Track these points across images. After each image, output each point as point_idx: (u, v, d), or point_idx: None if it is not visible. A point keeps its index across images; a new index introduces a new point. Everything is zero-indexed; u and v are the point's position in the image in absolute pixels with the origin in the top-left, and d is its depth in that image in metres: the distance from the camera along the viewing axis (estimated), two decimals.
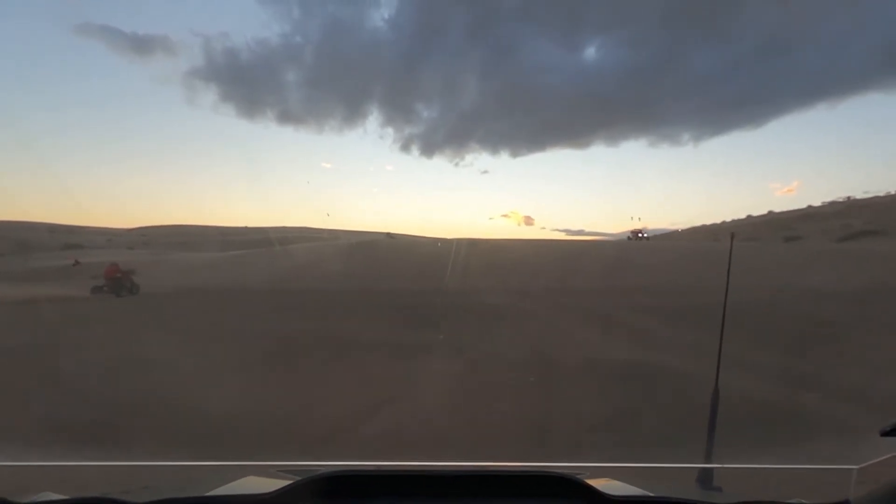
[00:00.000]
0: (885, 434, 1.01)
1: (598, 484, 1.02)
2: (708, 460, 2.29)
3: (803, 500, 1.01)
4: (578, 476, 1.06)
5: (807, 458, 3.88)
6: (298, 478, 0.97)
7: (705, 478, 1.87)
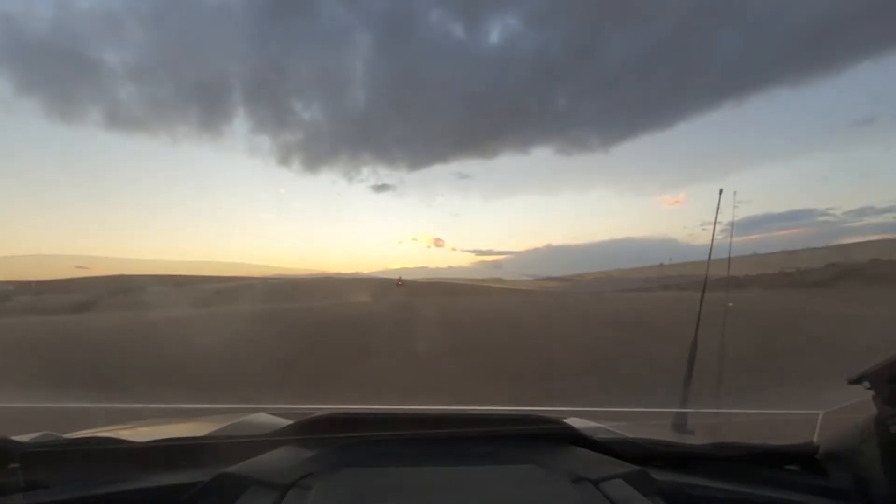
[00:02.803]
0: (852, 382, 1.05)
1: (578, 426, 1.08)
2: (683, 406, 2.42)
3: (771, 442, 1.08)
4: (563, 419, 1.11)
5: None
6: (291, 421, 1.00)
7: (679, 422, 1.98)
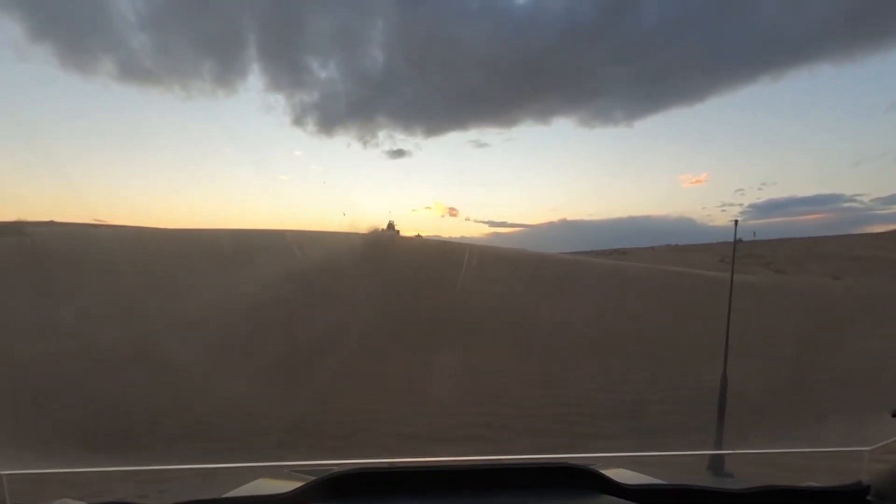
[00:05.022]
0: None
1: (611, 473, 1.03)
2: (718, 447, 2.29)
3: (815, 483, 1.02)
4: (591, 466, 1.06)
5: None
6: (312, 478, 0.98)
7: (716, 464, 1.87)
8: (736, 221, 3.22)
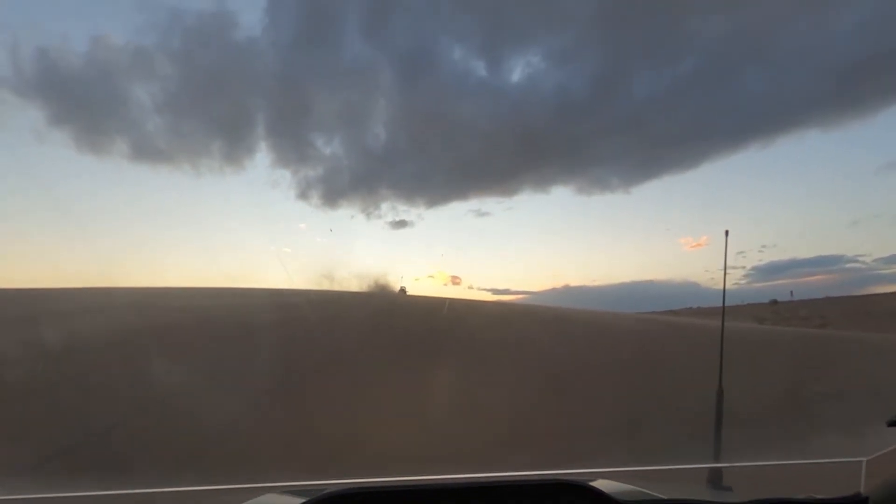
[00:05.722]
0: (892, 424, 1.01)
1: (606, 488, 1.02)
2: (716, 460, 2.28)
3: (814, 496, 1.01)
4: (589, 482, 1.05)
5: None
6: (306, 498, 0.96)
7: (715, 478, 1.86)
8: (727, 231, 3.24)
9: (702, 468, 2.06)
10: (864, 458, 1.18)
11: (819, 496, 1.00)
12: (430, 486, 1.01)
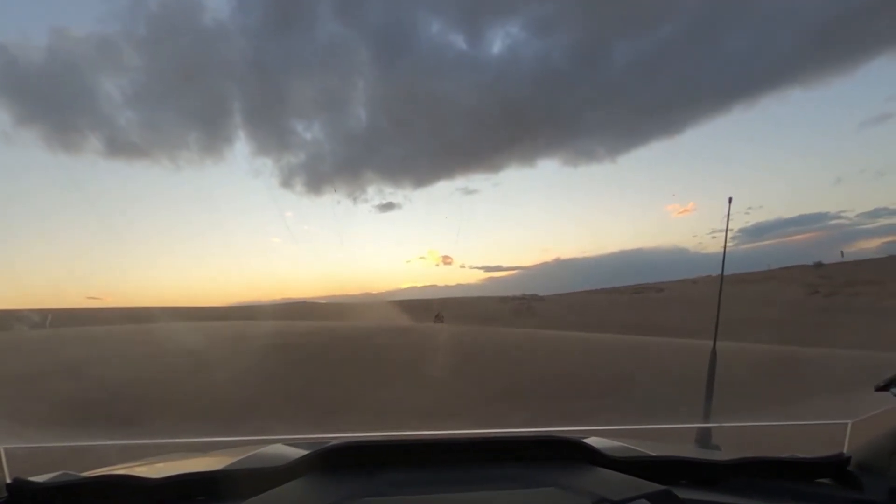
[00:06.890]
0: (879, 389, 1.03)
1: (599, 445, 1.05)
2: (706, 420, 2.35)
3: (799, 454, 1.04)
4: (579, 438, 1.09)
5: None
6: (307, 451, 0.99)
7: (704, 437, 1.93)
8: (730, 199, 3.17)
9: (691, 427, 2.13)
10: (850, 421, 1.21)
11: (803, 455, 1.03)
12: (428, 440, 1.04)
